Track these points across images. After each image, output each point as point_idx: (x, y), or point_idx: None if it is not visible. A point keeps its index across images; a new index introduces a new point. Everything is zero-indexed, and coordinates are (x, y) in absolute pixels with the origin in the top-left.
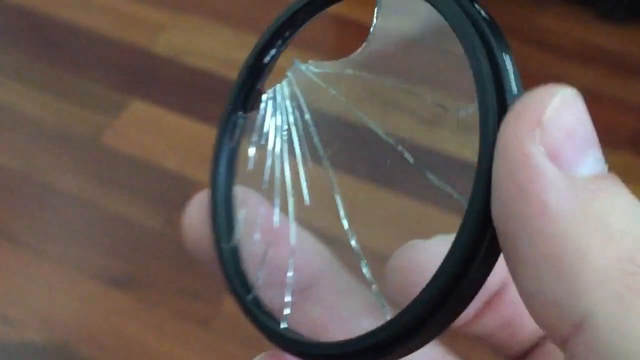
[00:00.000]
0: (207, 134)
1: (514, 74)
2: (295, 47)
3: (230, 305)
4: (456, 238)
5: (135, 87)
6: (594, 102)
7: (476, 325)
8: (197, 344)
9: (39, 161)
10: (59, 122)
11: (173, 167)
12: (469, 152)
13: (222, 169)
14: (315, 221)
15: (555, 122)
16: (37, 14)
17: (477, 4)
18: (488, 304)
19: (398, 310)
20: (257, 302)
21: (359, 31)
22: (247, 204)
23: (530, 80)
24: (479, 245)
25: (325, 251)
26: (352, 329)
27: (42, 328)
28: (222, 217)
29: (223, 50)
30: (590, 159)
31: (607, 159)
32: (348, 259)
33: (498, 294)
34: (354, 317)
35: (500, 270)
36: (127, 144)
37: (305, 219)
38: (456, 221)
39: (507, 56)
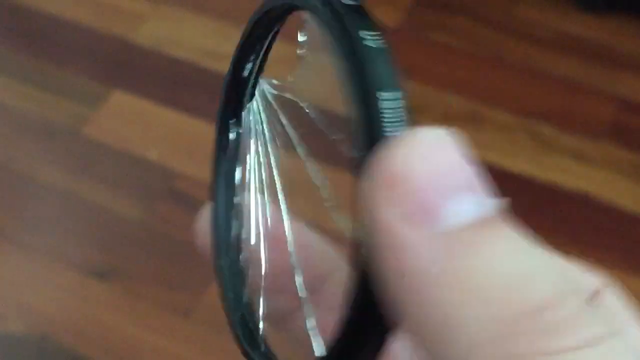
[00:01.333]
0: (188, 124)
1: (391, 114)
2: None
3: (210, 296)
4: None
5: (116, 78)
6: (574, 92)
7: None
8: (177, 334)
9: (20, 152)
10: (40, 113)
11: (154, 158)
12: None
13: (221, 184)
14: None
15: (408, 176)
16: (17, 5)
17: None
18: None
19: None
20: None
21: None
22: (254, 214)
23: (509, 70)
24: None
25: (332, 252)
26: None
27: (22, 319)
28: (221, 233)
29: (204, 41)
30: (456, 208)
31: (587, 149)
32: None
33: None
34: None
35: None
36: (109, 135)
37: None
38: None
39: (389, 93)
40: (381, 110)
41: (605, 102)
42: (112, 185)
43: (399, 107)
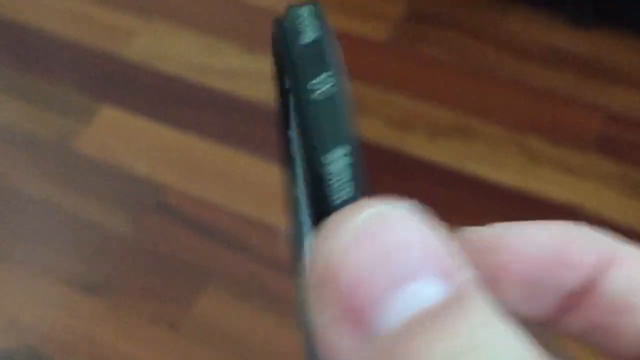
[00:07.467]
0: (177, 139)
1: (338, 179)
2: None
3: (198, 309)
4: None
5: (106, 93)
6: (562, 105)
7: (560, 324)
8: (166, 347)
9: (8, 166)
10: (29, 127)
11: (144, 172)
12: None
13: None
14: None
15: (335, 273)
16: (8, 21)
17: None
18: (569, 303)
19: None
20: None
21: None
22: None
23: (498, 84)
24: None
25: None
26: None
27: (11, 334)
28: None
29: (195, 56)
30: (395, 304)
31: (575, 162)
32: None
33: (580, 294)
34: None
35: (580, 271)
36: (98, 150)
37: None
38: None
39: (340, 149)
40: (326, 178)
41: (592, 114)
42: (101, 199)
43: (347, 168)
